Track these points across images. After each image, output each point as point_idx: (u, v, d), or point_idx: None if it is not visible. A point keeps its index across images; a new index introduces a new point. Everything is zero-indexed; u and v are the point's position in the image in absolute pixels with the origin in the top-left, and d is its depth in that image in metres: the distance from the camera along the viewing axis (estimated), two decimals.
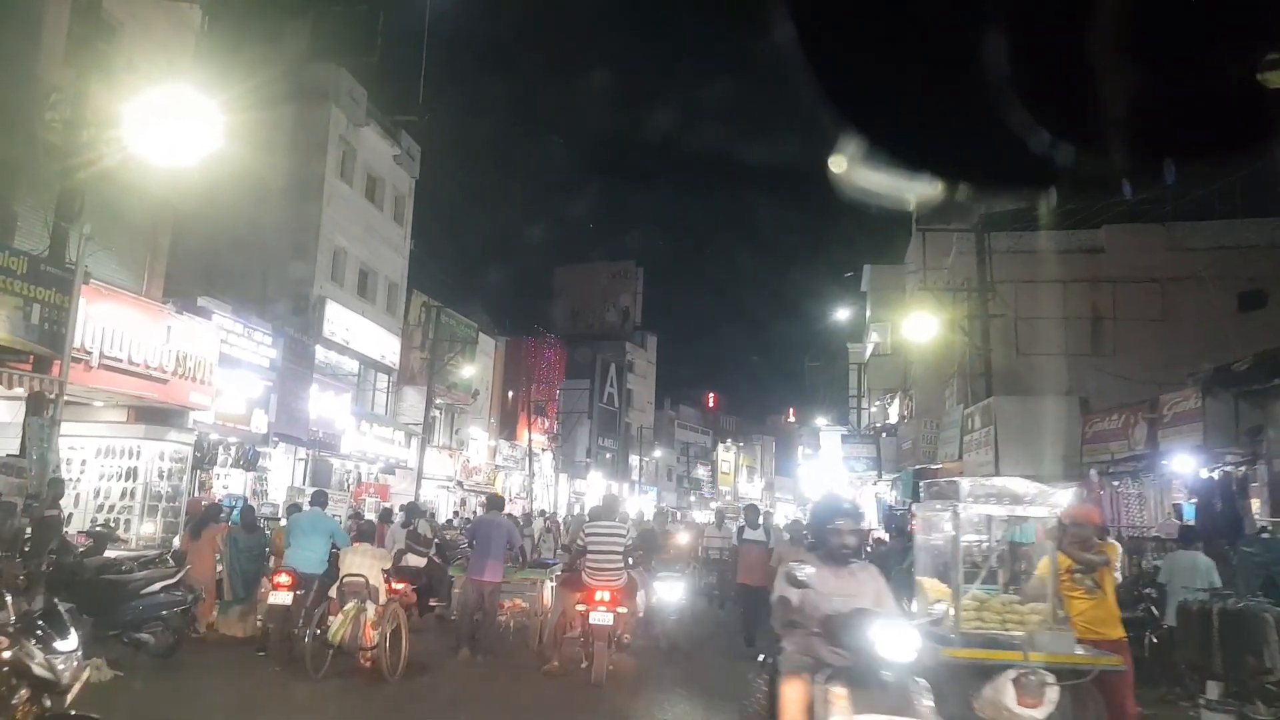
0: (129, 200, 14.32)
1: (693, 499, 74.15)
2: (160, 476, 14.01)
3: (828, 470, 39.70)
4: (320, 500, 10.70)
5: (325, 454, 23.04)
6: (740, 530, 11.46)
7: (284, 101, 24.29)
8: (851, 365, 37.67)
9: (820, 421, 37.82)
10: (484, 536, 9.86)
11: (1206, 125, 0.90)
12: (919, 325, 17.65)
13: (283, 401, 18.12)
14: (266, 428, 17.19)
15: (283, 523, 16.89)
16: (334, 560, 9.62)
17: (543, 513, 30.82)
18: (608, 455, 56.73)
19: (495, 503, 11.01)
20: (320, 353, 24.31)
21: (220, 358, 15.31)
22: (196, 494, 17.08)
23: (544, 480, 45.33)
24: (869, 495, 21.45)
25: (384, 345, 27.50)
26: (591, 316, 64.94)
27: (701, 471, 78.18)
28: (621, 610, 8.55)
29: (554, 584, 10.30)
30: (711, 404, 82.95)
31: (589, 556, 8.91)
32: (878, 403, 28.52)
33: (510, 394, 41.36)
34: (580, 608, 8.60)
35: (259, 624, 10.29)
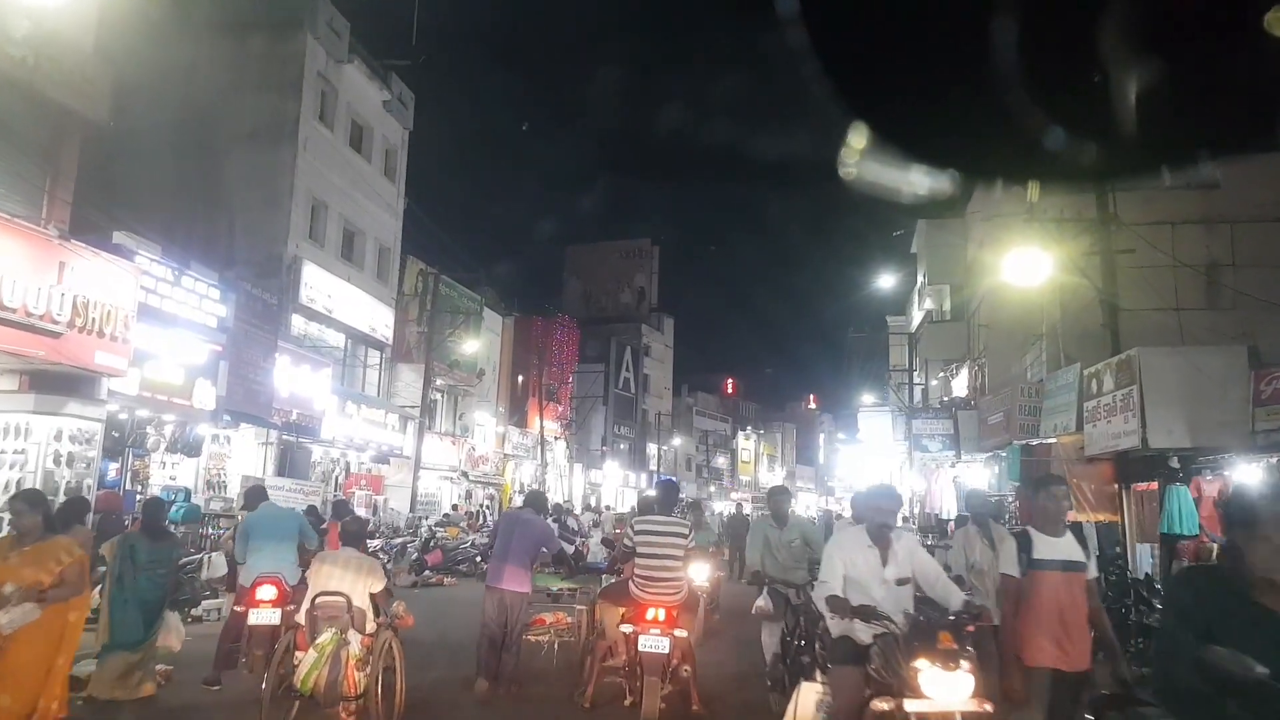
0: (15, 104, 10.97)
1: (712, 489, 70.93)
2: (57, 463, 10.63)
3: (873, 454, 36.34)
4: (259, 496, 7.62)
5: (303, 439, 19.72)
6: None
7: (251, 29, 21.00)
8: (893, 336, 34.23)
9: (867, 400, 34.26)
10: (505, 535, 7.85)
11: (1229, 116, 0.86)
12: (1027, 266, 14.09)
13: (237, 372, 14.72)
14: (214, 403, 13.81)
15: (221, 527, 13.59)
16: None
17: (590, 506, 27.61)
18: (623, 445, 53.37)
19: (534, 500, 8.61)
20: (299, 324, 21.04)
21: (144, 311, 11.96)
22: (130, 486, 13.80)
23: (557, 470, 42.02)
24: (946, 480, 18.04)
25: (374, 316, 24.13)
26: (605, 298, 61.58)
27: (721, 461, 74.84)
28: (679, 633, 6.54)
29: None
30: (730, 390, 79.56)
31: (638, 562, 6.78)
32: (940, 375, 25.03)
33: (520, 378, 38.05)
34: (626, 629, 6.64)
35: (161, 680, 6.99)
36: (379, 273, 24.99)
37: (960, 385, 23.53)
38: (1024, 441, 14.68)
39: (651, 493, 8.43)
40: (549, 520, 11.33)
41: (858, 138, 0.96)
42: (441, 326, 26.20)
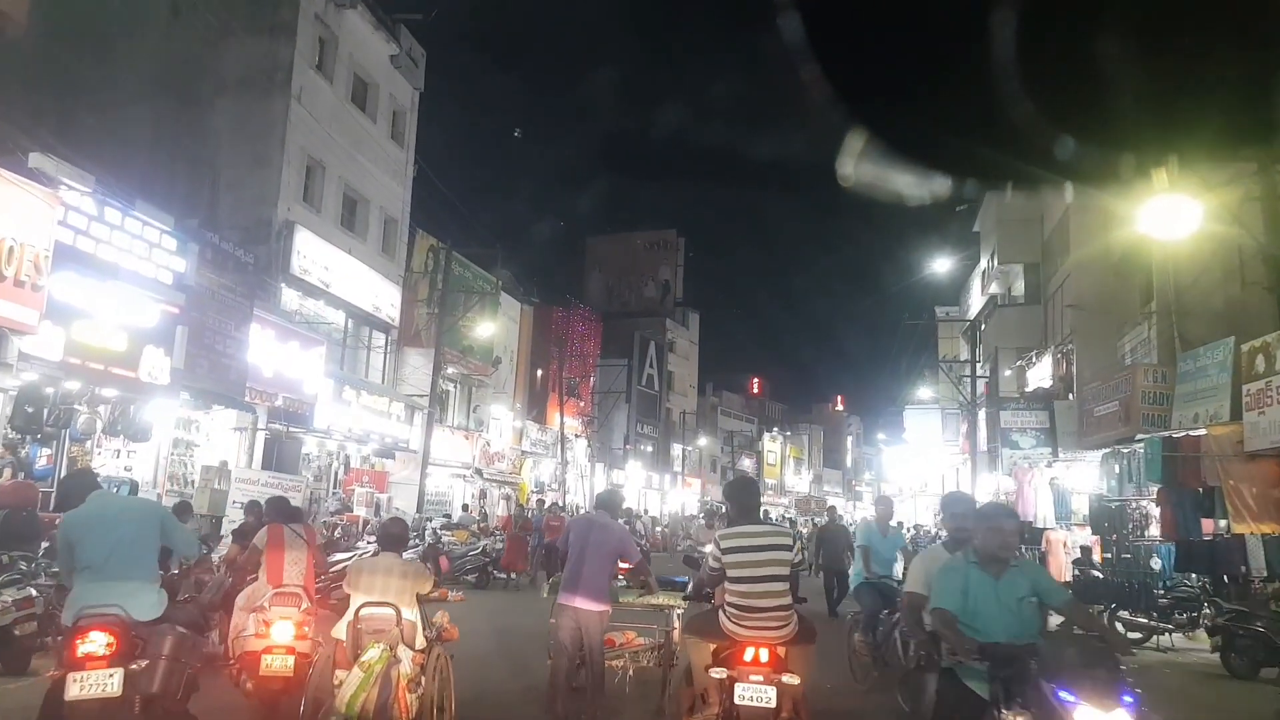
0: None
1: None
2: None
3: (920, 455, 33.66)
4: (83, 484, 5.13)
5: (293, 428, 17.24)
6: None
7: None
8: (944, 326, 31.48)
9: (925, 395, 31.41)
10: (579, 543, 6.50)
11: (1223, 118, 0.85)
12: (1170, 217, 11.30)
13: (201, 341, 12.21)
14: (169, 377, 11.28)
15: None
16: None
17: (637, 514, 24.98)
18: (647, 445, 50.70)
19: (606, 501, 7.17)
20: (294, 300, 18.62)
21: (70, 254, 9.50)
22: (67, 472, 11.27)
23: (577, 470, 39.43)
24: (1041, 482, 15.31)
25: (378, 294, 21.64)
26: (628, 291, 58.99)
27: (746, 463, 71.96)
28: (789, 679, 4.93)
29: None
30: (756, 390, 76.77)
31: (731, 588, 5.16)
32: (1015, 364, 22.22)
33: (539, 371, 35.58)
34: (718, 673, 5.00)
35: None
36: (384, 246, 22.51)
37: (1039, 375, 20.73)
38: (1164, 434, 11.90)
39: (730, 496, 5.99)
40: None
41: (855, 142, 0.92)
42: (454, 308, 23.66)
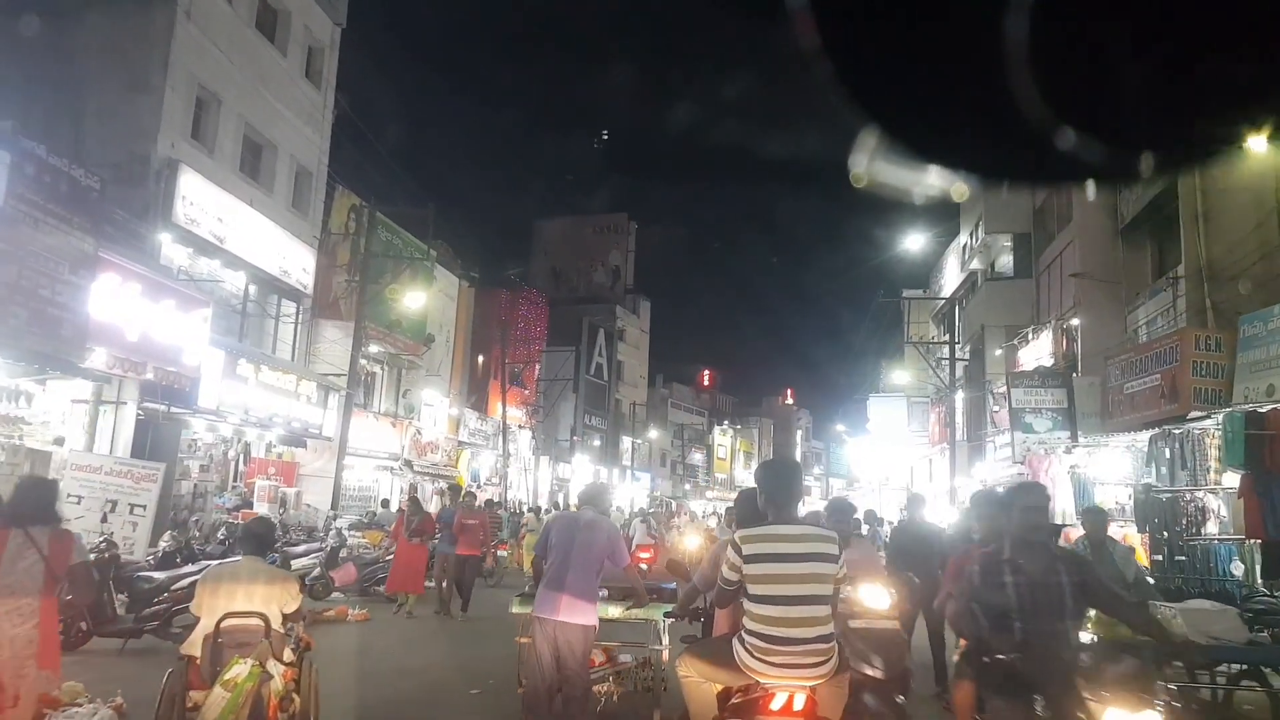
0: None
1: (688, 487, 66.07)
2: None
3: (884, 445, 31.73)
4: None
5: (174, 407, 14.31)
6: None
7: None
8: (913, 307, 29.54)
9: (901, 380, 29.36)
10: (562, 546, 5.39)
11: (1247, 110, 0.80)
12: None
13: (15, 283, 9.21)
14: None
15: None
16: None
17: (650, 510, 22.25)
18: (595, 438, 48.17)
19: (595, 496, 5.86)
20: (180, 256, 15.66)
21: None
22: None
23: (520, 463, 36.70)
24: (1059, 471, 13.20)
25: (287, 256, 18.64)
26: (576, 277, 56.34)
27: (697, 457, 69.94)
28: None
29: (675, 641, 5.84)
30: (707, 382, 74.82)
31: (751, 610, 3.71)
32: (1009, 343, 20.14)
33: (480, 358, 32.82)
34: None
35: None
36: (295, 201, 19.50)
37: (1035, 353, 18.67)
38: (1248, 408, 9.72)
39: (762, 484, 3.69)
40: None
41: (867, 140, 0.93)
42: (379, 275, 20.79)
